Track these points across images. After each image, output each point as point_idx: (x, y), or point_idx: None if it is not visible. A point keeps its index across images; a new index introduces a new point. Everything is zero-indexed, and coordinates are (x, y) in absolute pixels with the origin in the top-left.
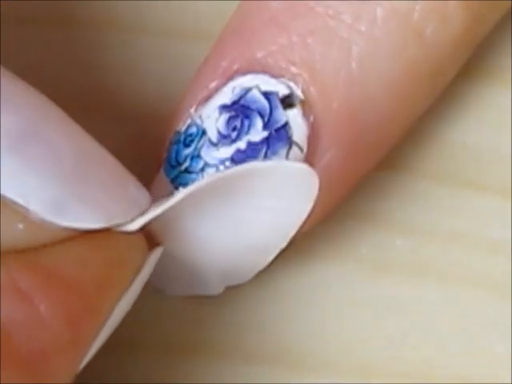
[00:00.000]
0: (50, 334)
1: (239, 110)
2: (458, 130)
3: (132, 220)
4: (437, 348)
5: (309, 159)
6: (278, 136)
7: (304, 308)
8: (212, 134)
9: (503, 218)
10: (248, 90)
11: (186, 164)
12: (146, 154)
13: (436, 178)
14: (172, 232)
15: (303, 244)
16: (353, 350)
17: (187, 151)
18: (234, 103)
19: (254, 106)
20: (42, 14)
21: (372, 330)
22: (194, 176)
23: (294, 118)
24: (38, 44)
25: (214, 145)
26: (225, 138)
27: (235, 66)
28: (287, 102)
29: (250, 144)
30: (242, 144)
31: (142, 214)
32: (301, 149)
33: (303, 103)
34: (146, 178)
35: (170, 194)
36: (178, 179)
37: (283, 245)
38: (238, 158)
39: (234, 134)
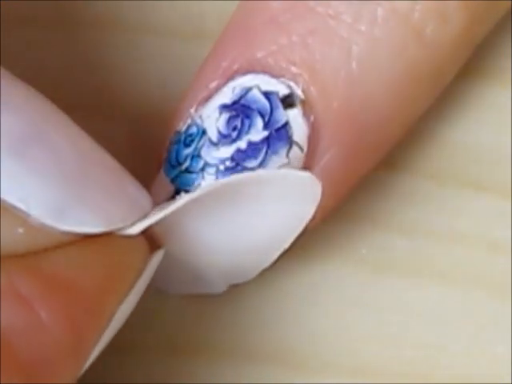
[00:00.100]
0: (51, 340)
1: (239, 110)
2: (458, 130)
3: (133, 224)
4: (437, 348)
5: (309, 159)
6: (279, 136)
7: (304, 308)
8: (212, 134)
9: (503, 217)
10: (248, 89)
11: (187, 164)
12: (146, 154)
13: (436, 178)
14: (174, 234)
15: (303, 244)
16: (353, 350)
17: (187, 151)
18: (235, 103)
19: (254, 106)
20: (43, 14)
21: (372, 330)
22: (194, 176)
23: (295, 117)
24: (39, 44)
25: (215, 144)
26: (225, 138)
27: (235, 66)
28: (287, 101)
29: (250, 144)
30: (242, 144)
31: (144, 217)
32: (301, 148)
33: (303, 103)
34: (147, 179)
35: (172, 197)
36: (179, 179)
37: (286, 246)
38: (238, 158)
39: (234, 134)
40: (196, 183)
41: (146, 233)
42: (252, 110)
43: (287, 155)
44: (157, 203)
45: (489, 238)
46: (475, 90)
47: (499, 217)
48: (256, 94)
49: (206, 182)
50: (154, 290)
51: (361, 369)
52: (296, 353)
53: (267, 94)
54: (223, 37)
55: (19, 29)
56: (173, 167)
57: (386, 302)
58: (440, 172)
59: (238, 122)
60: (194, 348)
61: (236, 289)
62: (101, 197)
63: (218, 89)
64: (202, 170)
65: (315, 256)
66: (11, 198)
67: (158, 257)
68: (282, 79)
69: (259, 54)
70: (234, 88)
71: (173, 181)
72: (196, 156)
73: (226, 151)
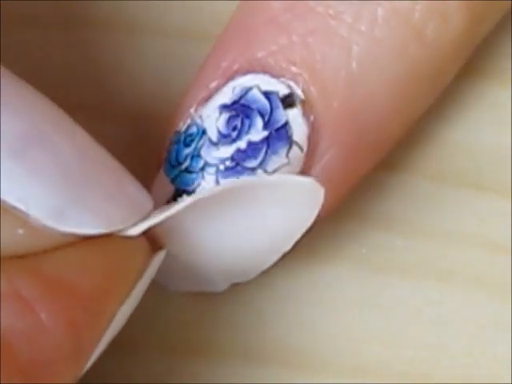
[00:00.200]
0: (51, 342)
1: (239, 110)
2: (458, 130)
3: (134, 225)
4: (437, 348)
5: (309, 159)
6: (278, 136)
7: (304, 308)
8: (212, 134)
9: (503, 217)
10: (248, 89)
11: (186, 163)
12: (146, 154)
13: (436, 178)
14: (176, 235)
15: (303, 244)
16: (353, 349)
17: (187, 151)
18: (235, 103)
19: (254, 106)
20: (43, 14)
21: (372, 329)
22: (194, 176)
23: (295, 117)
24: (39, 44)
25: (214, 144)
26: (225, 138)
27: (235, 66)
28: (287, 101)
29: (250, 143)
30: (242, 143)
31: (145, 218)
32: (301, 148)
33: (303, 103)
34: (147, 179)
35: (173, 197)
36: (178, 179)
37: (288, 248)
38: (238, 158)
39: (234, 134)
40: (196, 183)
41: (147, 233)
42: (252, 109)
43: (287, 155)
44: (157, 203)
45: (489, 237)
46: (475, 90)
47: (499, 217)
48: (256, 94)
49: (206, 181)
50: (155, 290)
51: (361, 368)
52: (296, 353)
53: (267, 94)
54: (223, 37)
55: (19, 29)
56: (173, 167)
57: (385, 301)
58: (440, 172)
59: (237, 122)
60: (194, 348)
61: (236, 289)
62: (101, 198)
63: (218, 89)
64: (202, 169)
65: (315, 256)
66: (11, 199)
67: (159, 258)
68: (282, 79)
69: (259, 54)
70: (234, 88)
71: (173, 181)
72: (196, 156)
73: (226, 151)
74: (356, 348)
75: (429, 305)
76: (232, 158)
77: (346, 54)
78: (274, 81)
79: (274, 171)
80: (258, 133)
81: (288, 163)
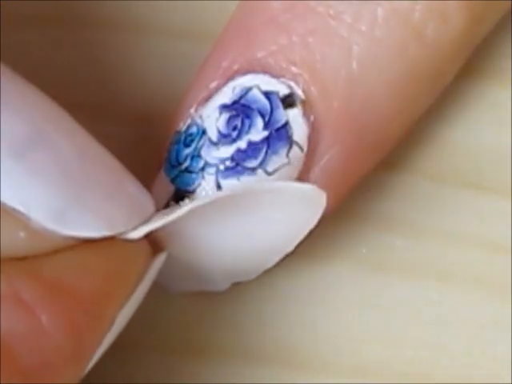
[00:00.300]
0: (52, 345)
1: (240, 110)
2: (458, 130)
3: (135, 228)
4: (437, 348)
5: (309, 159)
6: (279, 136)
7: (304, 308)
8: (212, 134)
9: (503, 217)
10: (248, 89)
11: (187, 163)
12: (146, 154)
13: (436, 178)
14: (177, 238)
15: (303, 244)
16: (353, 349)
17: (187, 151)
18: (235, 103)
19: (254, 106)
20: (43, 14)
21: (372, 329)
22: (194, 176)
23: (295, 117)
24: (39, 44)
25: (215, 144)
26: (225, 138)
27: (235, 66)
28: (288, 101)
29: (250, 143)
30: (242, 143)
31: (146, 220)
32: (301, 148)
33: (304, 103)
34: (147, 179)
35: (173, 197)
36: (179, 179)
37: (289, 249)
38: (238, 158)
39: (234, 134)
40: (196, 183)
41: (148, 236)
42: (252, 109)
43: (287, 155)
44: (157, 203)
45: (489, 237)
46: (475, 90)
47: (499, 217)
48: (256, 94)
49: (206, 181)
50: (156, 291)
51: (361, 368)
52: (297, 353)
53: (267, 94)
54: (223, 37)
55: (19, 29)
56: (173, 167)
57: (385, 301)
58: (440, 172)
59: (238, 122)
60: (195, 348)
61: (237, 289)
62: (103, 200)
63: (218, 89)
64: (202, 169)
65: (315, 256)
66: (11, 201)
67: (159, 260)
68: (283, 79)
69: (259, 54)
70: (234, 88)
71: (173, 181)
72: (196, 156)
73: (226, 151)
74: (356, 348)
75: (429, 305)
76: (232, 158)
77: (346, 54)
78: (274, 81)
79: (275, 171)
80: (258, 133)
81: (288, 163)
